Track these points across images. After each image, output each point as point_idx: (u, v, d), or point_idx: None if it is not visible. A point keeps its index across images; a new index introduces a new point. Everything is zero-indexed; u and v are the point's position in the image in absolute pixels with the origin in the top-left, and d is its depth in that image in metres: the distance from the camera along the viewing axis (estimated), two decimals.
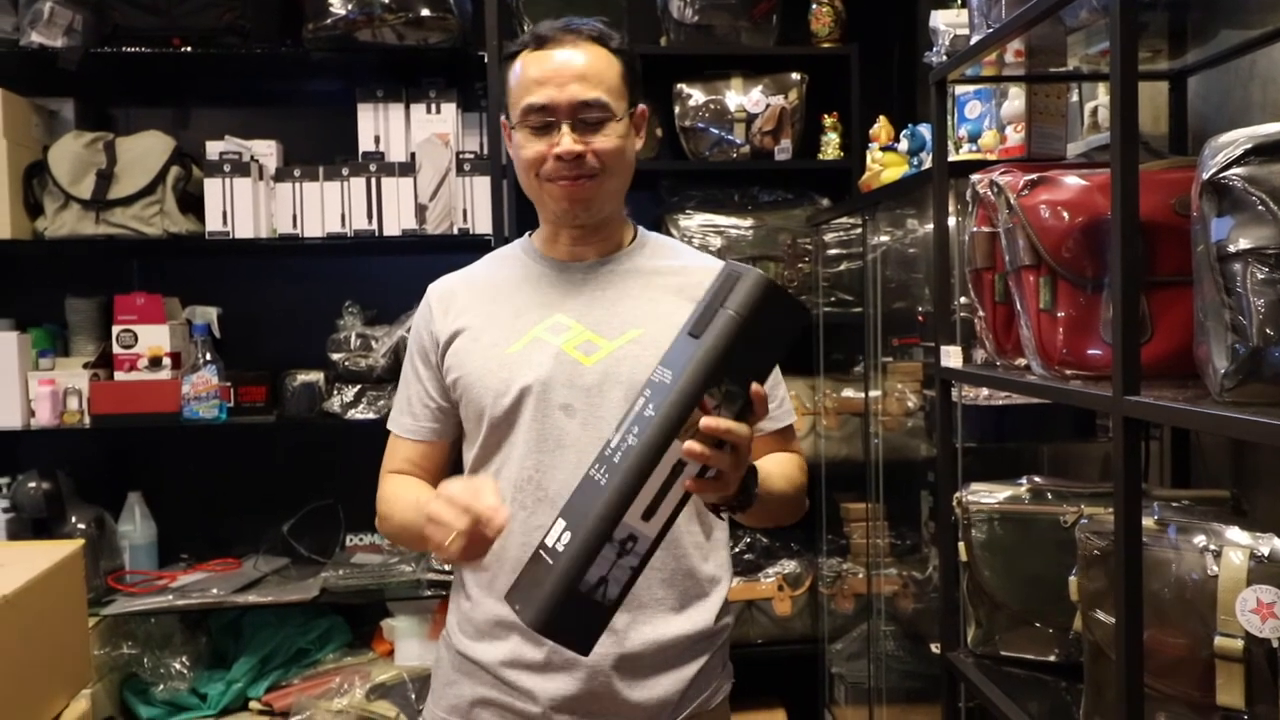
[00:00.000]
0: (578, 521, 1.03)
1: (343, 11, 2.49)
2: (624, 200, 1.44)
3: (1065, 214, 1.30)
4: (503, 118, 1.41)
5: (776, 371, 1.45)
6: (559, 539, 1.03)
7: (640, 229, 1.48)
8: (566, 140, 1.31)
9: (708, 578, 1.39)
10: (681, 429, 1.02)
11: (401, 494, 1.42)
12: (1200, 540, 1.18)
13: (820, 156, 2.86)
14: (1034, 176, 1.35)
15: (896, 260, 2.43)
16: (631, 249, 1.44)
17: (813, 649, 2.80)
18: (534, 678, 1.33)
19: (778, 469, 1.36)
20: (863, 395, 2.65)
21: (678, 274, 1.42)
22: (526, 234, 1.49)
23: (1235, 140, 0.99)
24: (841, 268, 2.81)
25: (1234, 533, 1.17)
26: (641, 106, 1.41)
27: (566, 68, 1.32)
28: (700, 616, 1.37)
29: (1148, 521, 1.20)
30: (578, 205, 1.35)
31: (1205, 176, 0.99)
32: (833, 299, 2.81)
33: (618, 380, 1.32)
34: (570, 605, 1.02)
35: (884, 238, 2.46)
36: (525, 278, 1.42)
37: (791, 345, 1.09)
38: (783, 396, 1.46)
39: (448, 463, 1.48)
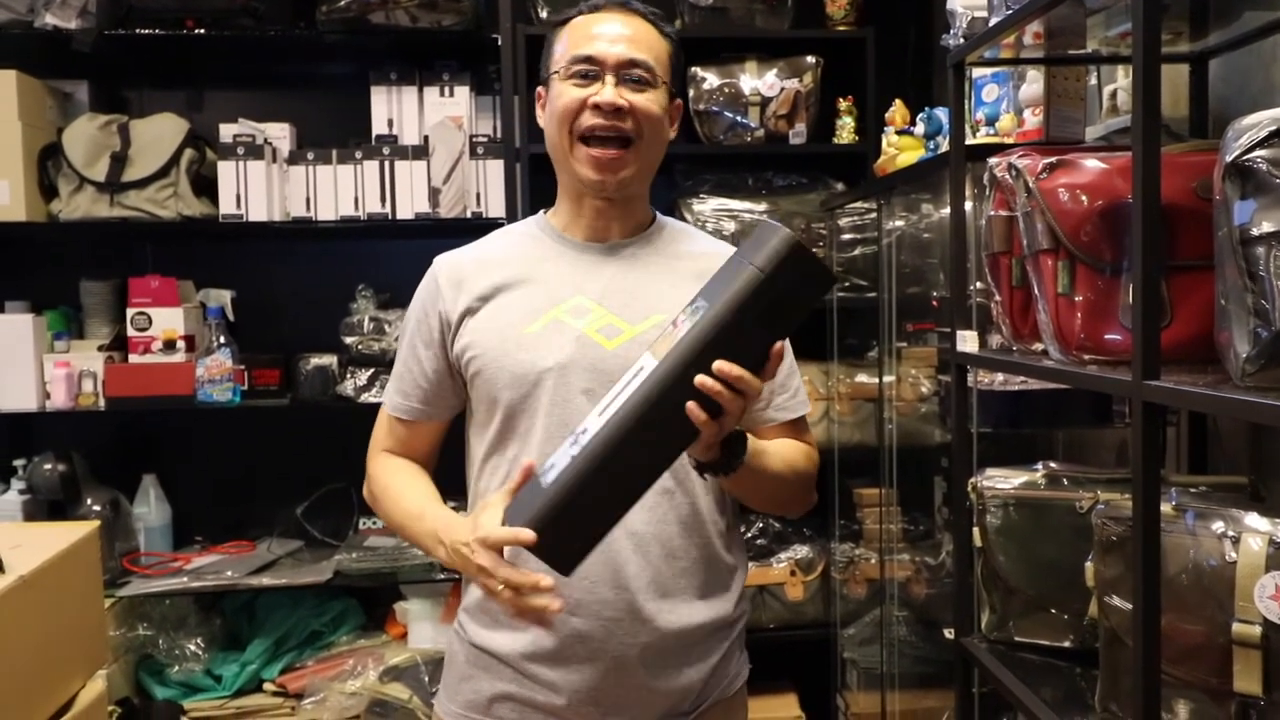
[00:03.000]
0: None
1: None
2: (651, 179, 1.43)
3: (1084, 197, 1.28)
4: (539, 88, 1.40)
5: (792, 362, 1.43)
6: None
7: (657, 214, 1.47)
8: (609, 90, 1.30)
9: (728, 566, 1.39)
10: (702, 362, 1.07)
11: (396, 488, 1.40)
12: (1218, 526, 1.17)
13: (835, 140, 2.84)
14: (1053, 160, 1.33)
15: (911, 245, 2.41)
16: (651, 232, 1.42)
17: (825, 634, 2.80)
18: (556, 670, 1.30)
19: (777, 450, 1.34)
20: (877, 381, 2.65)
21: (698, 259, 1.40)
22: (541, 211, 1.46)
23: (1260, 122, 0.97)
24: (856, 252, 2.79)
25: (1253, 519, 1.16)
26: (679, 100, 1.41)
27: (620, 28, 1.34)
28: (721, 604, 1.37)
29: (1165, 507, 1.19)
30: (607, 173, 1.32)
31: (1229, 159, 0.97)
32: (847, 284, 2.80)
33: None
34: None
35: (899, 222, 2.45)
36: (543, 256, 1.39)
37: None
38: (796, 387, 1.44)
39: (438, 446, 1.46)
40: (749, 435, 1.24)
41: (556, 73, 1.34)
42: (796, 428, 1.43)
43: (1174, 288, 1.23)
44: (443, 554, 1.26)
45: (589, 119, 1.31)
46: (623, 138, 1.32)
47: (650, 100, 1.33)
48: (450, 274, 1.40)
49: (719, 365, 1.05)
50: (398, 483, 1.41)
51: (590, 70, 1.31)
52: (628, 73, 1.31)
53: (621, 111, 1.30)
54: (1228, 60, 1.64)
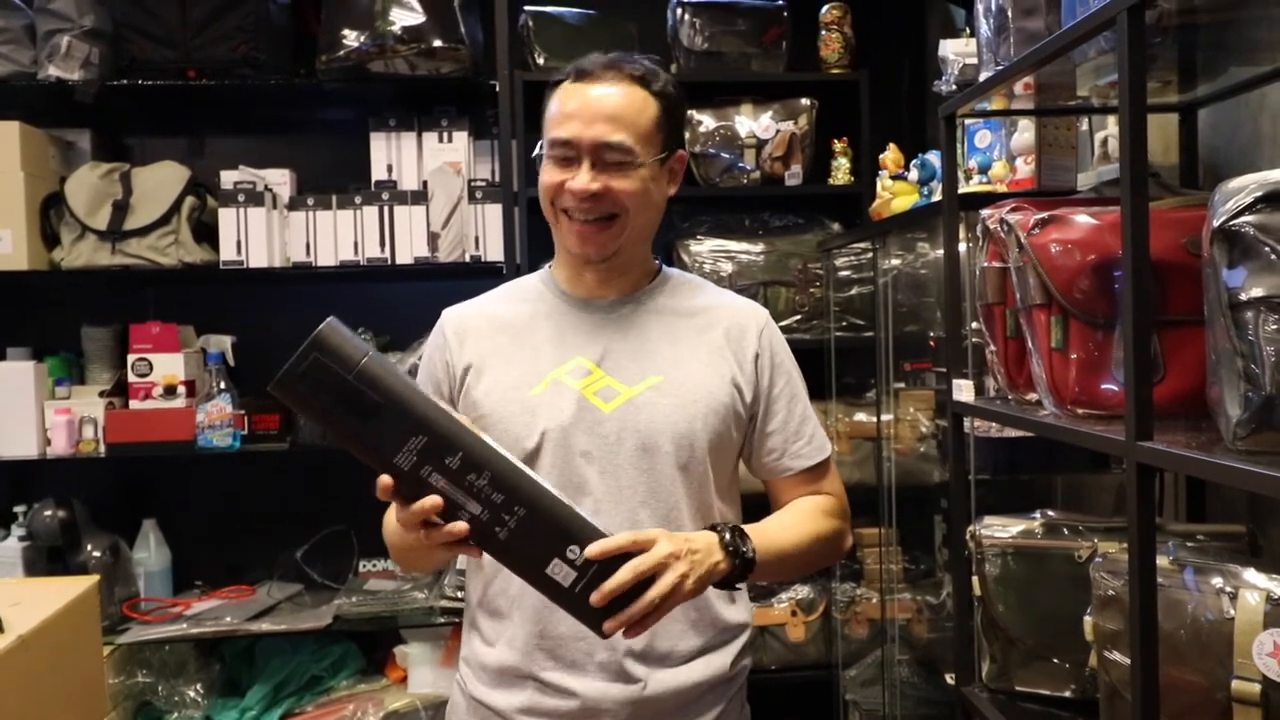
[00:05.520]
0: None
1: (355, 44, 2.51)
2: (649, 240, 1.42)
3: (1076, 254, 1.29)
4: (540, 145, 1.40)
5: (805, 407, 1.43)
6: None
7: (664, 265, 1.47)
8: (583, 176, 1.28)
9: (730, 624, 1.38)
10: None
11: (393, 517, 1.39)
12: (1217, 582, 1.17)
13: (830, 181, 2.86)
14: (1044, 215, 1.34)
15: (908, 284, 2.43)
16: (653, 287, 1.42)
17: (827, 675, 2.79)
18: None
19: (792, 521, 1.34)
20: (875, 420, 2.65)
21: (700, 314, 1.40)
22: (546, 265, 1.47)
23: (1245, 187, 0.98)
24: (853, 292, 2.81)
25: (1251, 574, 1.16)
26: (681, 152, 1.39)
27: (597, 105, 1.30)
28: (719, 661, 1.35)
29: (1163, 561, 1.20)
30: (590, 247, 1.33)
31: (1216, 224, 0.98)
32: (844, 323, 2.81)
33: (635, 428, 1.31)
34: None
35: (895, 261, 2.47)
36: (546, 314, 1.40)
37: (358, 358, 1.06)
38: (812, 433, 1.42)
39: None
40: (747, 528, 1.24)
41: (545, 151, 1.34)
42: (817, 474, 1.41)
43: (1167, 342, 1.24)
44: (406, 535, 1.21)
45: (568, 201, 1.31)
46: (604, 216, 1.31)
47: (629, 181, 1.30)
48: (456, 327, 1.42)
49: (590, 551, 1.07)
50: (389, 518, 1.38)
51: (567, 154, 1.30)
52: (603, 156, 1.29)
53: (599, 196, 1.29)
54: (1217, 110, 1.66)
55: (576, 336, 1.37)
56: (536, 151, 1.36)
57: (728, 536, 1.20)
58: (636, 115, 1.31)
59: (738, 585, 1.23)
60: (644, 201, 1.33)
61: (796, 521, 1.35)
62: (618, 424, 1.31)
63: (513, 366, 1.36)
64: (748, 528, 1.24)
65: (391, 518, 1.38)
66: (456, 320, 1.43)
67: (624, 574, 1.07)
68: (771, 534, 1.28)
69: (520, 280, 1.49)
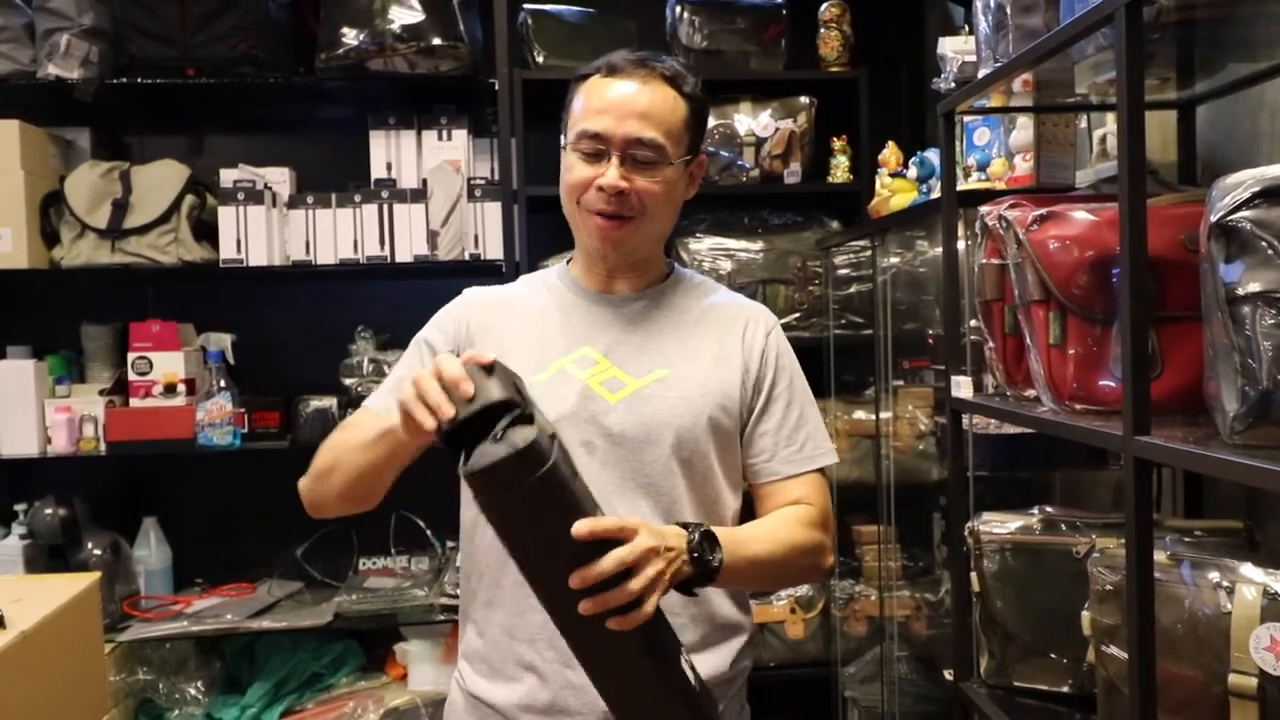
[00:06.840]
0: None
1: (355, 42, 2.51)
2: (664, 240, 1.43)
3: (1074, 250, 1.30)
4: (563, 139, 1.39)
5: (803, 414, 1.40)
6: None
7: (675, 265, 1.48)
8: (612, 173, 1.29)
9: (730, 623, 1.37)
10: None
11: (348, 433, 1.34)
12: (1214, 576, 1.17)
13: (830, 179, 2.87)
14: (1042, 211, 1.35)
15: (906, 282, 2.43)
16: (666, 285, 1.43)
17: (825, 672, 2.79)
18: None
19: (766, 530, 1.30)
20: (874, 417, 2.66)
21: (710, 312, 1.41)
22: (565, 261, 1.48)
23: (1243, 182, 0.99)
24: (851, 290, 2.81)
25: (1248, 569, 1.17)
26: (702, 156, 1.40)
27: (630, 101, 1.30)
28: (718, 660, 1.34)
29: (1160, 556, 1.20)
30: (609, 245, 1.34)
31: (1213, 219, 0.99)
32: (843, 321, 2.81)
33: (640, 420, 1.31)
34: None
35: (894, 259, 2.47)
36: (558, 305, 1.41)
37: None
38: (805, 440, 1.38)
39: (410, 462, 1.31)
40: (720, 533, 1.18)
41: (568, 144, 1.34)
42: (803, 484, 1.37)
43: (1164, 338, 1.25)
44: (399, 420, 1.11)
45: (594, 199, 1.31)
46: (623, 214, 1.31)
47: (655, 181, 1.31)
48: (476, 303, 1.43)
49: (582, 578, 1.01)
50: (348, 432, 1.35)
51: (597, 148, 1.30)
52: (634, 152, 1.29)
53: (625, 194, 1.30)
54: (1215, 107, 1.66)
55: (585, 327, 1.38)
56: (564, 130, 1.35)
57: (695, 539, 1.14)
58: (669, 114, 1.32)
59: (695, 591, 1.17)
60: (664, 204, 1.34)
61: (774, 530, 1.31)
62: (623, 415, 1.31)
63: (520, 351, 1.36)
64: (720, 532, 1.19)
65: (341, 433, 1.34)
66: (475, 297, 1.45)
67: (608, 562, 1.02)
68: (744, 541, 1.24)
69: (539, 273, 1.51)
